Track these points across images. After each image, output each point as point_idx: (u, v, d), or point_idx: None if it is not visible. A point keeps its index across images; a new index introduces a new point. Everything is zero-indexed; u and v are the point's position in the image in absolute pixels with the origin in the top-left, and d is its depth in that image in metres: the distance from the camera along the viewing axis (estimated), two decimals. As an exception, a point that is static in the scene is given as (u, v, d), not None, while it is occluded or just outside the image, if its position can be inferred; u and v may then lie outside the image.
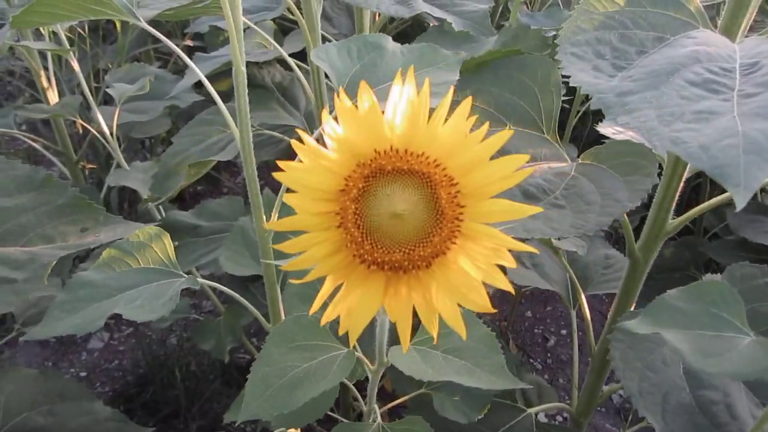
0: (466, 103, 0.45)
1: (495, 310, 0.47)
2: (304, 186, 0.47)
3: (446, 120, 0.46)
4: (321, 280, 0.98)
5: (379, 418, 0.94)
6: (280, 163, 0.46)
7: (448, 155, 0.46)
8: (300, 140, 0.47)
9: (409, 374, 0.78)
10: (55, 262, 0.90)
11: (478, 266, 0.48)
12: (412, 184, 0.47)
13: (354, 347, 0.83)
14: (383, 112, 0.46)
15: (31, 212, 0.96)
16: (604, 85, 0.60)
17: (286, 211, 1.09)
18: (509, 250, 0.48)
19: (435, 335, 0.49)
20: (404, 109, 0.46)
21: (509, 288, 0.48)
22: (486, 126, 0.45)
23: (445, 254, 0.47)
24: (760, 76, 0.58)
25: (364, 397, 1.03)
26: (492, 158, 0.46)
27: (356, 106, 0.46)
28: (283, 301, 1.03)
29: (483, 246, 0.48)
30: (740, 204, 0.48)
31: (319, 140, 0.50)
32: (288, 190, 0.48)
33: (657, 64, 0.62)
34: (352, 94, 0.93)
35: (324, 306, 0.52)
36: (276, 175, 0.47)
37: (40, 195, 0.98)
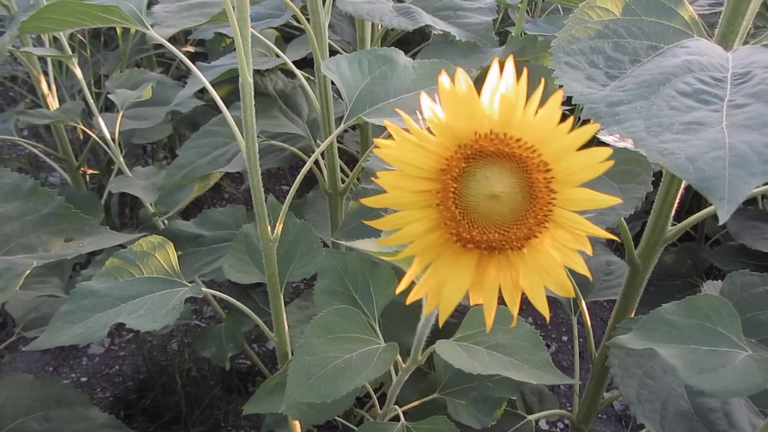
0: (558, 94, 0.46)
1: (573, 295, 0.48)
2: (405, 163, 0.48)
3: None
4: (348, 277, 0.99)
5: (402, 418, 0.95)
6: (379, 142, 0.48)
7: (541, 142, 0.47)
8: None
9: (458, 367, 0.79)
10: (28, 271, 0.90)
11: (561, 250, 0.49)
12: (509, 168, 0.48)
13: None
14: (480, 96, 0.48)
15: (15, 221, 0.96)
16: (595, 94, 0.60)
17: (291, 220, 1.10)
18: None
19: (515, 316, 0.51)
20: (502, 95, 0.47)
21: (587, 273, 0.49)
22: (571, 119, 0.46)
23: (537, 237, 0.49)
24: (751, 87, 0.57)
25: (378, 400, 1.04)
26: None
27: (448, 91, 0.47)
28: (290, 312, 1.04)
29: (567, 231, 0.49)
30: (723, 217, 0.48)
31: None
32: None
33: (649, 73, 0.62)
34: (362, 106, 0.95)
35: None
36: (377, 151, 0.48)
37: (26, 204, 0.98)
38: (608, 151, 0.47)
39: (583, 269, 0.49)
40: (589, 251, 0.49)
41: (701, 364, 0.61)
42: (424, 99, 0.47)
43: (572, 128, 0.47)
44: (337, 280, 0.99)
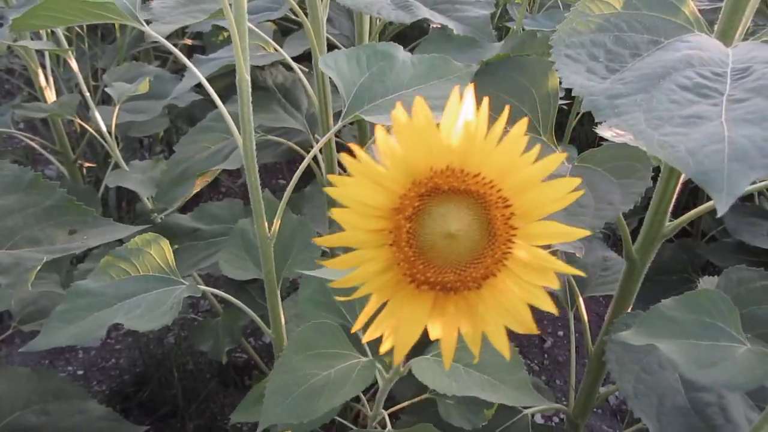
0: (522, 124, 0.45)
1: (539, 332, 0.47)
2: (356, 202, 0.46)
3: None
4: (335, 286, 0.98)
5: (389, 424, 0.94)
6: (332, 178, 0.45)
7: (502, 175, 0.46)
8: (351, 153, 0.46)
9: (433, 387, 0.78)
10: (39, 267, 0.89)
11: (525, 288, 0.48)
12: (467, 204, 0.46)
13: (368, 354, 0.84)
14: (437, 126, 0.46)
15: (18, 214, 0.95)
16: (595, 87, 0.60)
17: (288, 215, 1.10)
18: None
19: (477, 354, 0.49)
20: (461, 127, 0.45)
21: (554, 310, 0.48)
22: (538, 147, 0.45)
23: (496, 276, 0.47)
24: (750, 82, 0.57)
25: (367, 399, 1.04)
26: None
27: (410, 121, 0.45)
28: (287, 307, 1.03)
29: (531, 267, 0.47)
30: (721, 210, 0.48)
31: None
32: (334, 205, 0.46)
33: (649, 67, 0.62)
34: (360, 102, 0.94)
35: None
36: (327, 190, 0.45)
37: (27, 196, 0.97)
38: (576, 181, 0.45)
39: (548, 306, 0.47)
40: (556, 286, 0.47)
41: (702, 358, 0.61)
42: (379, 131, 0.45)
43: (538, 157, 0.44)
44: (321, 289, 0.97)
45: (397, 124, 0.45)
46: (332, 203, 1.40)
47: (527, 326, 0.48)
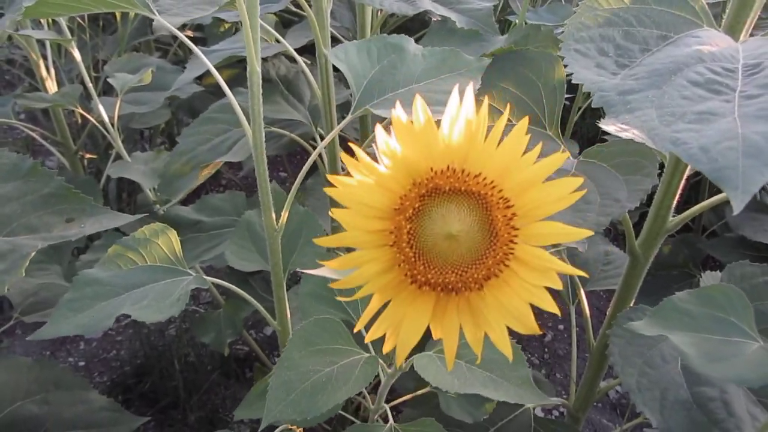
0: (523, 124, 0.44)
1: (542, 332, 0.47)
2: (357, 203, 0.46)
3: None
4: (334, 280, 0.97)
5: (391, 419, 0.94)
6: (331, 178, 0.45)
7: (503, 175, 0.46)
8: (350, 153, 0.46)
9: (436, 384, 0.78)
10: (33, 253, 0.88)
11: (526, 288, 0.48)
12: (468, 205, 0.46)
13: (370, 350, 0.84)
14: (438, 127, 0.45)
15: (15, 201, 0.94)
16: (606, 83, 0.60)
17: (295, 208, 1.09)
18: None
19: (479, 354, 0.49)
20: (461, 127, 0.45)
21: (556, 310, 0.48)
22: (539, 147, 0.45)
23: (497, 276, 0.47)
24: (762, 78, 0.57)
25: (369, 392, 1.04)
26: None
27: (410, 122, 0.45)
28: (289, 299, 1.03)
29: (533, 268, 0.47)
30: (737, 207, 0.47)
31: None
32: (335, 204, 0.46)
33: (660, 62, 0.62)
34: (370, 96, 0.93)
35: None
36: (328, 190, 0.46)
37: (25, 184, 0.96)
38: (578, 181, 0.45)
39: (550, 307, 0.47)
40: (557, 286, 0.47)
41: (713, 353, 0.61)
42: (379, 131, 0.45)
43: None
44: (321, 283, 0.97)
45: (397, 124, 0.45)
46: (333, 203, 1.39)
47: (529, 327, 0.48)
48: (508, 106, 0.45)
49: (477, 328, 0.48)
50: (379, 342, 0.88)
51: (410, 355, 0.81)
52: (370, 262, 0.47)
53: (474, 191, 0.46)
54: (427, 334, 0.84)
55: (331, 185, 0.46)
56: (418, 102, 0.44)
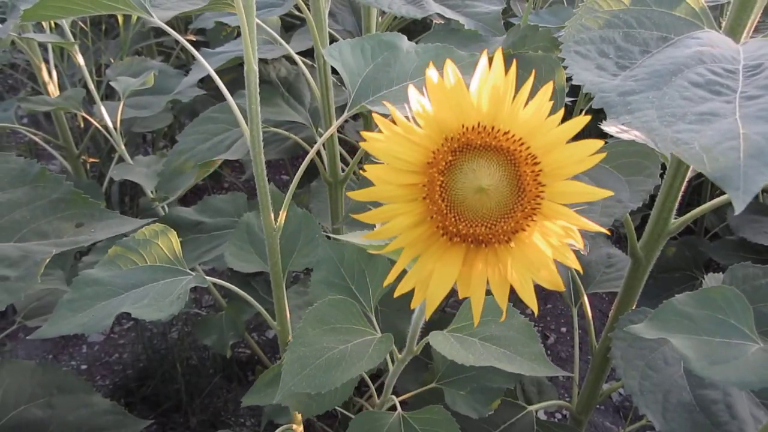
0: (548, 87, 0.46)
1: (564, 289, 0.49)
2: (392, 157, 0.48)
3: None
4: (345, 268, 0.99)
5: (399, 407, 0.95)
6: (365, 134, 0.47)
7: (530, 135, 0.48)
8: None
9: (451, 358, 0.78)
10: (48, 259, 0.88)
11: (551, 244, 0.49)
12: (497, 161, 0.48)
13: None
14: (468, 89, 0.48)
15: (25, 207, 0.94)
16: (607, 84, 0.60)
17: (293, 209, 1.10)
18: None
19: (504, 310, 0.50)
20: (490, 88, 0.47)
21: (578, 266, 0.49)
22: (562, 111, 0.46)
23: (524, 230, 0.49)
24: (762, 79, 0.57)
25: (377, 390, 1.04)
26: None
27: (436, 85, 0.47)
28: (290, 299, 1.03)
29: (557, 225, 0.49)
30: (739, 208, 0.48)
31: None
32: (368, 161, 0.47)
33: (660, 64, 0.62)
34: (366, 94, 0.94)
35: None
36: (363, 144, 0.48)
37: (34, 189, 0.96)
38: (599, 143, 0.47)
39: (574, 264, 0.49)
40: (580, 244, 0.49)
41: (714, 355, 0.61)
42: (412, 91, 0.47)
43: (564, 120, 0.47)
44: (334, 271, 0.99)
45: (431, 84, 0.47)
46: (335, 197, 1.40)
47: (554, 282, 0.49)
48: (533, 71, 0.47)
49: (503, 283, 0.50)
50: (386, 327, 0.88)
51: (422, 337, 0.82)
52: (402, 215, 0.49)
53: (504, 147, 0.48)
54: (435, 325, 0.83)
55: (366, 142, 0.48)
56: (449, 66, 0.47)
